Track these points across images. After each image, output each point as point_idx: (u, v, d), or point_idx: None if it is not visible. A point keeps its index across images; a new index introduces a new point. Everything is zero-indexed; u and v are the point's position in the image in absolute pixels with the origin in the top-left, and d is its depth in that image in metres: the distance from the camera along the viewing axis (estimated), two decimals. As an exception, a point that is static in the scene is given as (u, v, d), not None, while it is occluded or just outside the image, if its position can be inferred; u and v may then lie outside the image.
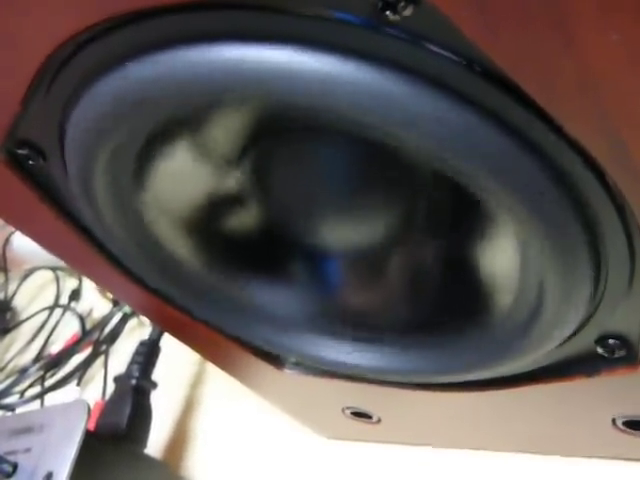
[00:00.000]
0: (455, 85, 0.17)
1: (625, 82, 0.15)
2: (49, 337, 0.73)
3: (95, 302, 0.74)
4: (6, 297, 0.84)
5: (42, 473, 0.40)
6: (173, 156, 0.25)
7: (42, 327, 0.75)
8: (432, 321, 0.27)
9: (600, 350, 0.26)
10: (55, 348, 0.70)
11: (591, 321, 0.24)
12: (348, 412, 0.39)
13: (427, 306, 0.27)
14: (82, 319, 0.70)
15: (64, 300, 0.78)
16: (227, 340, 0.34)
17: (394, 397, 0.34)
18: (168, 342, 0.54)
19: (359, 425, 0.40)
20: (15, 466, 0.41)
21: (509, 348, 0.25)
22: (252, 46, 0.17)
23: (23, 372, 0.67)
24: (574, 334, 0.25)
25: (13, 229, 0.84)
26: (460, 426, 0.36)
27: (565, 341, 0.25)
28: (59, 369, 0.66)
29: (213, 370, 0.56)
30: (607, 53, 0.14)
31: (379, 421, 0.39)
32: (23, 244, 0.85)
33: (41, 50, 0.20)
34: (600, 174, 0.18)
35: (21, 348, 0.74)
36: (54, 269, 0.83)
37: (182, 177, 0.27)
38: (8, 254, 0.86)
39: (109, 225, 0.27)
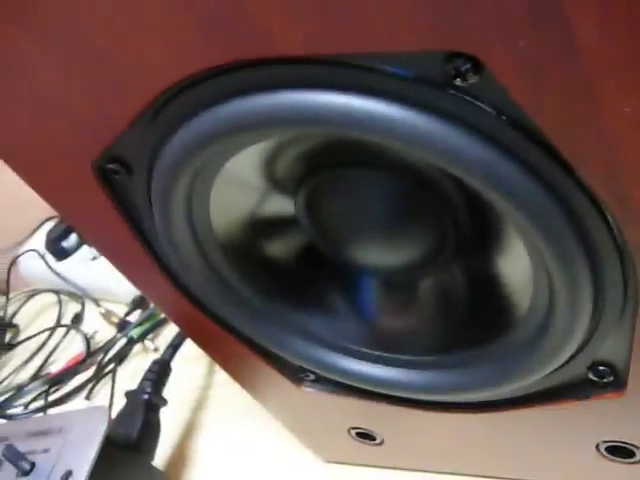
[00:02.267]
0: (502, 139, 0.22)
1: (632, 143, 0.20)
2: (50, 355, 0.75)
3: (97, 326, 0.77)
4: (8, 315, 0.86)
5: (61, 471, 0.42)
6: (240, 179, 0.30)
7: (44, 344, 0.78)
8: (459, 339, 0.31)
9: (591, 376, 0.30)
10: (56, 367, 0.73)
11: (586, 348, 0.28)
12: (353, 432, 0.42)
13: (455, 324, 0.32)
14: (87, 339, 0.72)
15: (66, 322, 0.81)
16: (253, 354, 0.38)
17: (400, 418, 0.38)
18: (179, 364, 0.58)
19: (361, 447, 0.44)
20: (33, 464, 0.44)
21: (518, 365, 0.29)
22: (349, 96, 0.22)
23: (26, 385, 0.69)
24: (570, 359, 0.29)
25: (20, 252, 0.87)
26: (458, 449, 0.39)
27: (562, 366, 0.29)
28: (62, 386, 0.68)
29: (219, 395, 0.60)
30: (622, 122, 0.19)
31: (382, 443, 0.42)
32: (28, 266, 0.88)
33: (164, 80, 0.24)
34: (605, 218, 0.23)
35: (22, 364, 0.76)
36: (57, 292, 0.86)
37: (242, 193, 0.31)
38: (13, 275, 0.88)
39: (176, 241, 0.31)
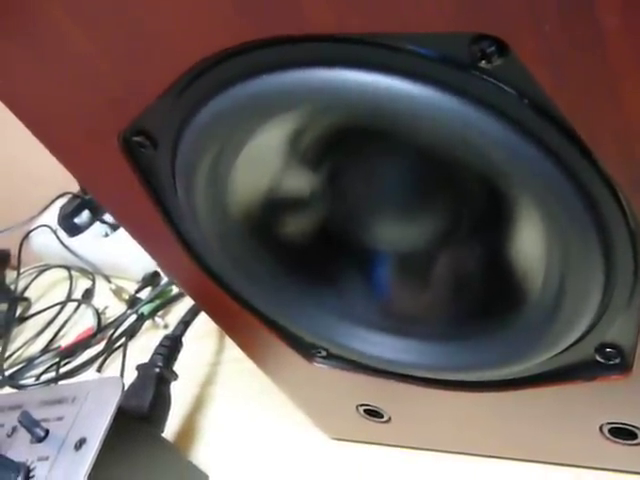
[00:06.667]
0: (522, 121, 0.22)
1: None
2: (61, 329, 0.77)
3: (108, 302, 0.78)
4: (19, 289, 0.87)
5: (75, 439, 0.44)
6: (263, 156, 0.31)
7: (55, 318, 0.79)
8: (470, 319, 0.32)
9: (598, 357, 0.31)
10: (66, 341, 0.74)
11: (594, 330, 0.29)
12: (362, 410, 0.43)
13: (467, 304, 0.32)
14: (98, 314, 0.73)
15: (76, 297, 0.82)
16: (265, 328, 0.39)
17: (408, 396, 0.39)
18: (189, 341, 0.59)
19: (369, 425, 0.45)
20: (47, 431, 0.45)
21: (529, 345, 0.30)
22: (373, 73, 0.22)
23: (37, 358, 0.70)
24: (578, 341, 0.30)
25: (32, 227, 0.88)
26: (463, 428, 0.40)
27: (570, 347, 0.30)
28: (73, 359, 0.69)
29: (229, 372, 0.61)
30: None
31: (389, 420, 0.43)
32: (40, 242, 0.89)
33: (195, 54, 0.25)
34: (620, 202, 0.24)
35: (33, 337, 0.77)
36: (68, 268, 0.87)
37: (263, 172, 0.32)
38: (25, 249, 0.90)
39: (198, 216, 0.32)
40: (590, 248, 0.25)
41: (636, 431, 0.34)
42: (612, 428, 0.35)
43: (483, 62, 0.21)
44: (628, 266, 0.26)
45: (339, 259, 0.35)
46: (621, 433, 0.35)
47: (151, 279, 0.76)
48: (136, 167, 0.32)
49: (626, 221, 0.24)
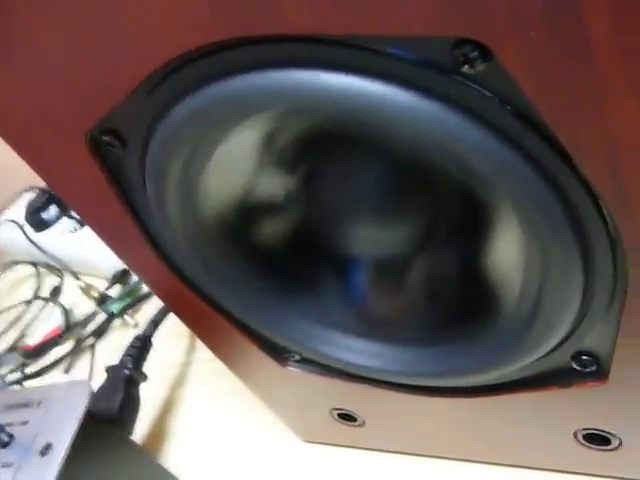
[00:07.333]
0: (503, 127, 0.22)
1: (634, 140, 0.20)
2: (27, 328, 0.75)
3: (76, 300, 0.76)
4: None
5: (40, 444, 0.42)
6: (236, 159, 0.30)
7: (21, 317, 0.77)
8: (446, 325, 0.32)
9: (575, 365, 0.30)
10: (33, 340, 0.72)
11: (571, 338, 0.29)
12: (335, 413, 0.43)
13: (442, 310, 0.32)
14: (66, 312, 0.72)
15: (44, 295, 0.80)
16: (237, 331, 0.38)
17: (383, 401, 0.39)
18: (160, 341, 0.58)
19: (342, 428, 0.44)
20: (11, 436, 0.44)
21: (506, 352, 0.30)
22: (351, 76, 0.22)
23: (2, 358, 0.68)
24: (556, 348, 0.29)
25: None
26: (438, 433, 0.40)
27: (547, 354, 0.30)
28: (40, 359, 0.68)
29: (199, 372, 0.60)
30: (626, 119, 0.19)
31: (363, 424, 0.43)
32: (6, 237, 0.87)
33: (166, 53, 0.24)
34: (600, 210, 0.23)
35: (-1, 336, 0.75)
36: (35, 264, 0.85)
37: (236, 174, 0.31)
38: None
39: (170, 217, 0.31)
40: (569, 255, 0.24)
41: (610, 437, 0.34)
42: (587, 434, 0.35)
43: (465, 67, 0.20)
44: (607, 273, 0.26)
45: (314, 263, 0.34)
46: (595, 439, 0.35)
47: (121, 276, 0.74)
48: (104, 166, 0.31)
49: (606, 229, 0.24)
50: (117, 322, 0.70)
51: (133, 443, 0.49)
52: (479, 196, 0.27)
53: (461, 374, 0.32)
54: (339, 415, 0.43)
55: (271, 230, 0.34)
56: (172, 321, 0.58)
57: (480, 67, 0.20)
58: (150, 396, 0.56)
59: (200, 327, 0.41)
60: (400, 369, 0.34)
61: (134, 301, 0.70)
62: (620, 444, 0.34)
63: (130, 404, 0.50)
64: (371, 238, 0.32)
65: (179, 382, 0.60)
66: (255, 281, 0.34)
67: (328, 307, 0.34)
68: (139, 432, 0.53)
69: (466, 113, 0.22)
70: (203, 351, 0.59)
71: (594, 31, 0.18)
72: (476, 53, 0.20)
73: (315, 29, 0.21)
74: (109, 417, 0.48)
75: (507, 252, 0.28)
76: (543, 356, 0.30)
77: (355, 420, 0.43)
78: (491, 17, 0.19)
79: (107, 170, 0.31)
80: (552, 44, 0.18)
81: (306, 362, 0.39)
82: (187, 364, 0.62)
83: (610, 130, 0.20)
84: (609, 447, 0.35)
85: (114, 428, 0.48)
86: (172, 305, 0.40)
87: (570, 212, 0.23)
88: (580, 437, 0.35)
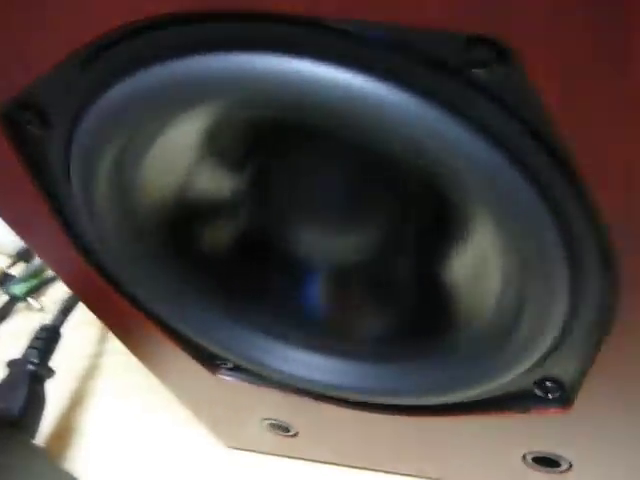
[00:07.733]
0: (506, 140, 0.19)
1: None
2: None
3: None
4: None
5: None
6: (180, 151, 0.26)
7: None
8: (401, 340, 0.29)
9: (537, 391, 0.29)
10: None
11: (544, 362, 0.27)
12: (266, 423, 0.39)
13: (399, 323, 0.29)
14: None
15: None
16: (162, 334, 0.34)
17: (320, 413, 0.36)
18: (68, 329, 0.52)
19: (272, 437, 0.41)
20: None
21: (464, 376, 0.27)
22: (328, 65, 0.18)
23: None
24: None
25: None
26: (378, 447, 0.38)
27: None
28: None
29: (112, 365, 0.55)
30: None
31: (296, 435, 0.40)
32: None
33: (112, 19, 0.20)
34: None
35: None
36: None
37: (179, 171, 0.27)
38: None
39: (98, 206, 0.26)
40: (555, 270, 0.22)
41: (560, 460, 0.33)
42: (536, 457, 0.33)
43: (477, 69, 0.17)
44: (595, 295, 0.23)
45: (260, 270, 0.30)
46: (544, 461, 0.33)
47: (26, 254, 0.68)
48: (19, 146, 0.26)
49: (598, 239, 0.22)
50: (20, 305, 0.63)
51: (36, 447, 0.45)
52: (452, 200, 0.24)
53: (418, 393, 0.29)
54: (271, 425, 0.40)
55: (215, 231, 0.30)
56: (83, 307, 0.53)
57: (496, 70, 0.17)
58: (57, 391, 0.51)
59: (117, 325, 0.37)
60: (349, 385, 0.31)
61: (40, 283, 0.64)
62: (570, 467, 0.33)
63: (34, 403, 0.45)
64: (325, 244, 0.29)
65: (89, 375, 0.55)
66: (193, 285, 0.30)
67: (274, 317, 0.31)
68: (43, 431, 0.48)
69: (465, 120, 0.19)
70: (117, 341, 0.55)
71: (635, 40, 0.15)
72: (493, 54, 0.17)
73: (308, 11, 0.17)
74: (9, 419, 0.43)
75: (479, 263, 0.26)
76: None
77: (288, 431, 0.40)
78: (521, 11, 0.15)
79: (23, 153, 0.26)
80: (589, 47, 0.16)
81: (240, 370, 0.35)
82: (98, 355, 0.56)
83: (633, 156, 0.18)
84: (558, 469, 0.33)
85: (14, 431, 0.43)
86: (85, 299, 0.36)
87: (558, 217, 0.21)
88: (529, 459, 0.33)
